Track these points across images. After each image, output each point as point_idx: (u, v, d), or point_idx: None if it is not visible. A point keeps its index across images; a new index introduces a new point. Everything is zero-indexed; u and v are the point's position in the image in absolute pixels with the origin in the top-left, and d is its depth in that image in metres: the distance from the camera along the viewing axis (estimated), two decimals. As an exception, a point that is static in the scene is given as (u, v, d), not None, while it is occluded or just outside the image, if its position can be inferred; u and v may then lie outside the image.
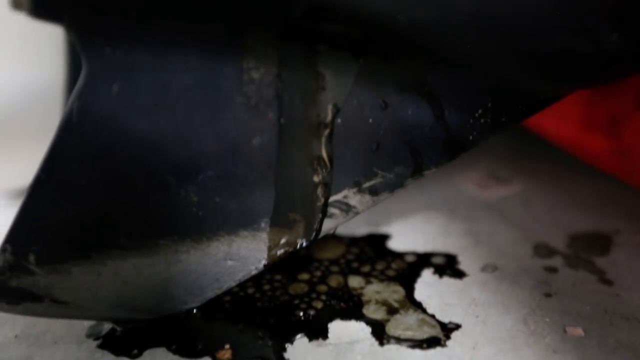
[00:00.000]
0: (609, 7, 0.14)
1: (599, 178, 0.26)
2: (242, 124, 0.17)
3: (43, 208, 0.16)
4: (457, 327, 0.18)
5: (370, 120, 0.18)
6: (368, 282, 0.20)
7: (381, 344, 0.17)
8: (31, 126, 0.28)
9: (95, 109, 0.16)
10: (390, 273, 0.21)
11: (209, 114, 0.16)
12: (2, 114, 0.30)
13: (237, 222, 0.18)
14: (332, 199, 0.18)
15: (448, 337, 0.18)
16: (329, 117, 0.17)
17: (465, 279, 0.20)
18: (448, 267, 0.21)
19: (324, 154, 0.18)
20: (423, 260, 0.21)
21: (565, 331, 0.17)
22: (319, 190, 0.18)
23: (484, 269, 0.21)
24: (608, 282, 0.20)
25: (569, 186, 0.26)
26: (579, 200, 0.25)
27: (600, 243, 0.22)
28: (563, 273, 0.20)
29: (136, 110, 0.16)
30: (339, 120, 0.17)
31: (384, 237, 0.23)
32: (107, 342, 0.18)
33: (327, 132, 0.17)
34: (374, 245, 0.22)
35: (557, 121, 0.23)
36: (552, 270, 0.20)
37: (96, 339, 0.18)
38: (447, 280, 0.20)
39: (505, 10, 0.14)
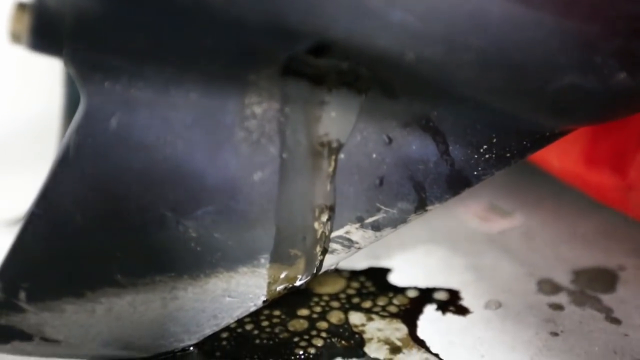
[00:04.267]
0: (617, 46, 0.14)
1: (601, 211, 0.26)
2: (243, 159, 0.16)
3: (36, 244, 0.16)
4: (462, 368, 0.17)
5: (374, 155, 0.17)
6: (369, 319, 0.20)
7: (384, 386, 0.17)
8: (29, 154, 0.28)
9: (92, 144, 0.15)
10: (392, 309, 0.20)
11: (209, 149, 0.16)
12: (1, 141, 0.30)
13: (237, 258, 0.17)
14: (333, 234, 0.18)
15: (453, 380, 0.17)
16: (332, 152, 0.17)
17: (469, 316, 0.20)
18: (451, 303, 0.20)
19: (327, 189, 0.17)
20: (425, 295, 0.21)
21: (573, 374, 0.17)
22: (321, 226, 0.18)
23: (487, 305, 0.20)
24: (616, 321, 0.19)
25: (571, 219, 0.26)
26: (581, 234, 0.25)
27: (605, 279, 0.21)
28: (569, 310, 0.20)
29: (135, 145, 0.16)
30: (342, 156, 0.17)
31: (385, 271, 0.22)
32: (99, 383, 0.17)
33: (329, 167, 0.17)
34: (375, 280, 0.22)
35: (560, 156, 0.23)
36: (558, 307, 0.20)
37: (88, 379, 0.17)
38: (450, 318, 0.20)
39: (514, 48, 0.14)
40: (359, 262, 0.23)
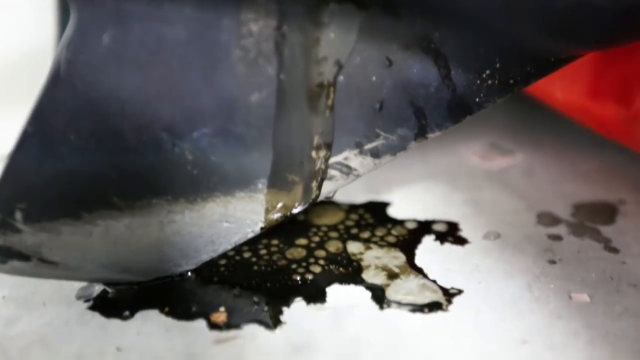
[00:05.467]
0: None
1: (603, 150, 0.25)
2: (239, 79, 0.16)
3: (30, 163, 0.15)
4: (459, 292, 0.17)
5: (374, 78, 0.17)
6: (368, 248, 0.20)
7: (381, 308, 0.17)
8: (22, 87, 0.28)
9: (84, 61, 0.15)
10: (391, 239, 0.20)
11: (205, 68, 0.16)
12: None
13: (233, 182, 0.17)
14: (332, 160, 0.18)
15: (450, 302, 0.17)
16: (331, 74, 0.17)
17: (467, 246, 0.20)
18: (449, 234, 0.20)
19: (325, 113, 0.17)
20: (424, 227, 0.21)
21: (570, 297, 0.17)
22: (319, 151, 0.17)
23: (486, 236, 0.20)
24: (614, 250, 0.19)
25: (572, 158, 0.26)
26: (583, 172, 0.24)
27: (605, 212, 0.21)
28: (568, 241, 0.20)
29: (128, 62, 0.15)
30: (341, 78, 0.17)
31: (384, 205, 0.22)
32: (97, 304, 0.17)
33: (328, 89, 0.17)
34: (374, 212, 0.22)
35: (564, 89, 0.22)
36: (557, 238, 0.20)
37: (86, 300, 0.17)
38: (448, 247, 0.20)
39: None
40: (358, 196, 0.23)
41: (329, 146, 0.17)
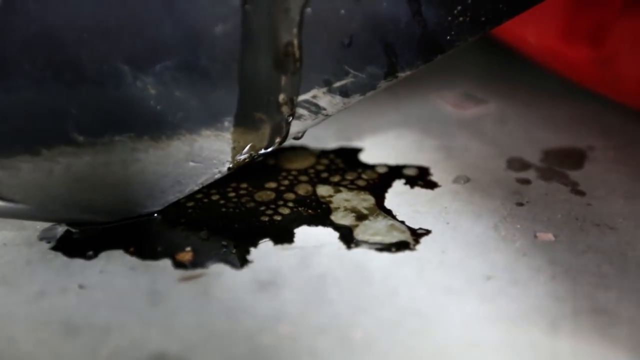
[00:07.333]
0: None
1: (574, 98, 0.25)
2: (203, 9, 0.15)
3: (-16, 95, 0.15)
4: (427, 232, 0.18)
5: (342, 11, 0.16)
6: (337, 191, 0.19)
7: (348, 247, 0.17)
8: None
9: (38, -16, 0.14)
10: (361, 183, 0.20)
11: (166, -4, 0.15)
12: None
13: (199, 120, 0.17)
14: (300, 98, 0.17)
15: (417, 242, 0.17)
16: (298, 6, 0.16)
17: (436, 190, 0.20)
18: (420, 178, 0.20)
19: (292, 47, 0.16)
20: (394, 171, 0.21)
21: (535, 236, 0.17)
22: (287, 88, 0.17)
23: (456, 180, 0.20)
24: (580, 193, 0.19)
25: (544, 107, 0.26)
26: (554, 120, 0.24)
27: (574, 158, 0.21)
28: (536, 184, 0.20)
29: (85, -13, 0.15)
30: (309, 10, 0.16)
31: (356, 151, 0.22)
32: (60, 245, 0.17)
33: (295, 22, 0.16)
34: (345, 158, 0.22)
35: (537, 32, 0.22)
36: (525, 182, 0.20)
37: (49, 242, 0.17)
38: (418, 191, 0.20)
39: None
40: (329, 142, 0.22)
41: (296, 83, 0.17)
